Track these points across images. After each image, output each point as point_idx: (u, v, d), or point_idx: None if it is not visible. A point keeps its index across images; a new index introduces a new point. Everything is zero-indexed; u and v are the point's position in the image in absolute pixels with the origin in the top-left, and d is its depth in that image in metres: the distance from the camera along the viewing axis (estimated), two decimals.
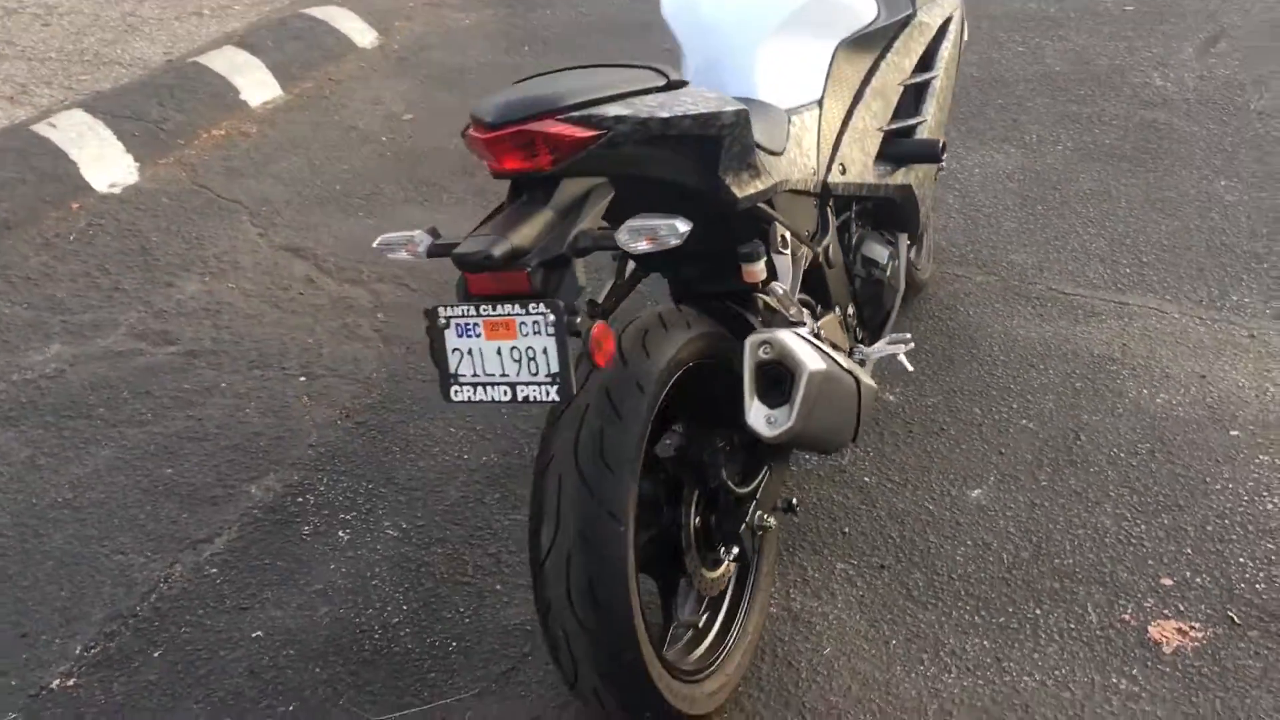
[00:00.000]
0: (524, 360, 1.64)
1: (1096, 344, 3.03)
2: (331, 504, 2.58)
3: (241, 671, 2.18)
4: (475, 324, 1.65)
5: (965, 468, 2.63)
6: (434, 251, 1.77)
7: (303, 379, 3.00)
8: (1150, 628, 2.22)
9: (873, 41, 2.46)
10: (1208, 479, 2.57)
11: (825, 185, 2.29)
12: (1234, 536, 2.42)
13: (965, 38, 2.92)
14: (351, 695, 2.12)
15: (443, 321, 1.67)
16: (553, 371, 1.62)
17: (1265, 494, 2.52)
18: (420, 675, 2.16)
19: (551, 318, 1.61)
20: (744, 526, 2.06)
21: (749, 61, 2.26)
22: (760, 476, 2.12)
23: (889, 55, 2.51)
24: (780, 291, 2.02)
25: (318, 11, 5.38)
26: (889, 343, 2.44)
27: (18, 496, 2.62)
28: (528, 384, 1.64)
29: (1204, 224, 3.54)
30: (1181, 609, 2.26)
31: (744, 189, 1.93)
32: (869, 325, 2.56)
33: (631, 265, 2.27)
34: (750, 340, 1.92)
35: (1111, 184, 3.77)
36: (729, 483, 2.02)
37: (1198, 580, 2.32)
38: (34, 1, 5.78)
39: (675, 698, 1.87)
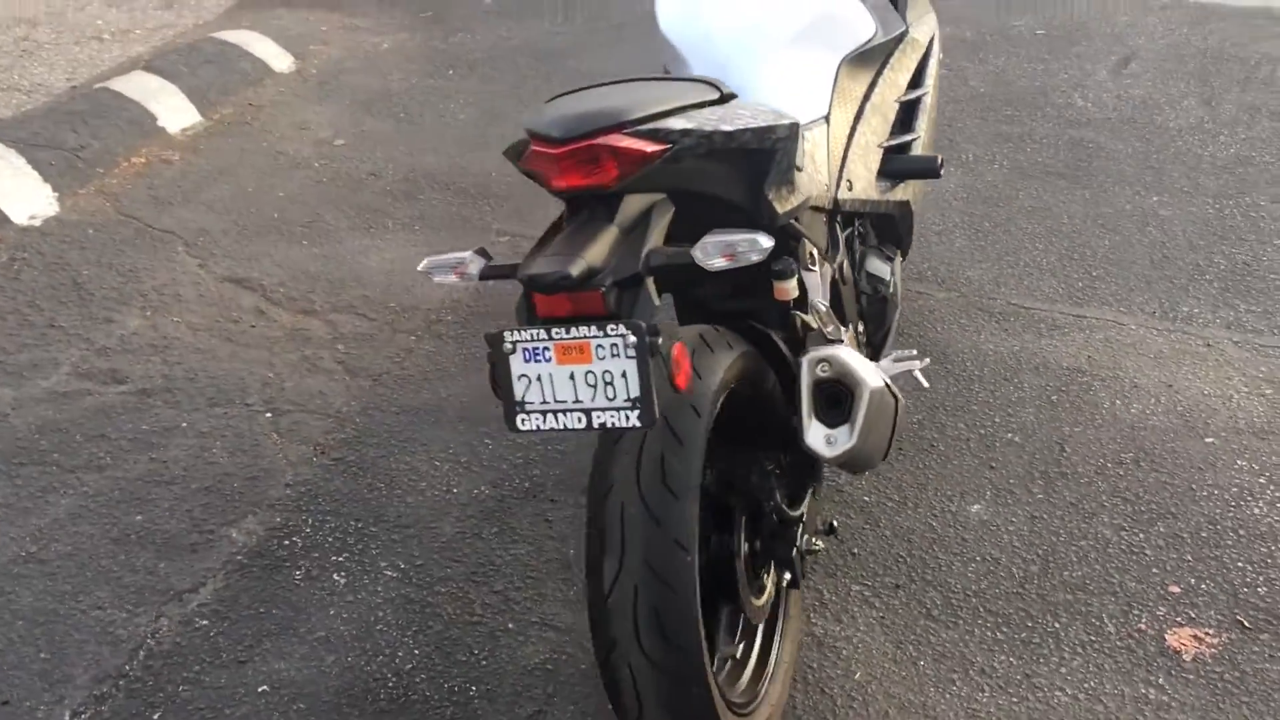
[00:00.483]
0: (600, 385, 1.55)
1: (1064, 357, 3.05)
2: (321, 546, 2.43)
3: None
4: (545, 348, 1.56)
5: (960, 483, 2.62)
6: (488, 274, 1.68)
7: (269, 415, 2.84)
8: (1168, 636, 2.22)
9: (872, 58, 2.44)
10: (1193, 486, 2.60)
11: (836, 201, 2.25)
12: (1228, 542, 2.45)
13: (941, 55, 2.93)
14: None
15: (508, 346, 1.58)
16: (633, 396, 1.54)
17: (1250, 499, 2.56)
18: None
19: (632, 339, 1.52)
20: (795, 550, 1.99)
21: (758, 75, 2.21)
22: (807, 498, 2.06)
23: (886, 72, 2.49)
24: (823, 309, 1.97)
25: (229, 36, 5.17)
26: (894, 360, 2.41)
27: None
28: (605, 409, 1.55)
29: (1144, 238, 3.62)
30: (1193, 616, 2.27)
31: (784, 204, 1.88)
32: (871, 342, 2.53)
33: None
34: (808, 359, 1.86)
35: (1051, 201, 3.83)
36: (782, 505, 1.96)
37: (1203, 586, 2.34)
38: None
39: None
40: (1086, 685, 2.12)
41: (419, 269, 1.72)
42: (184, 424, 2.80)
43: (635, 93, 1.71)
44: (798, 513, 2.01)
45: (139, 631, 2.22)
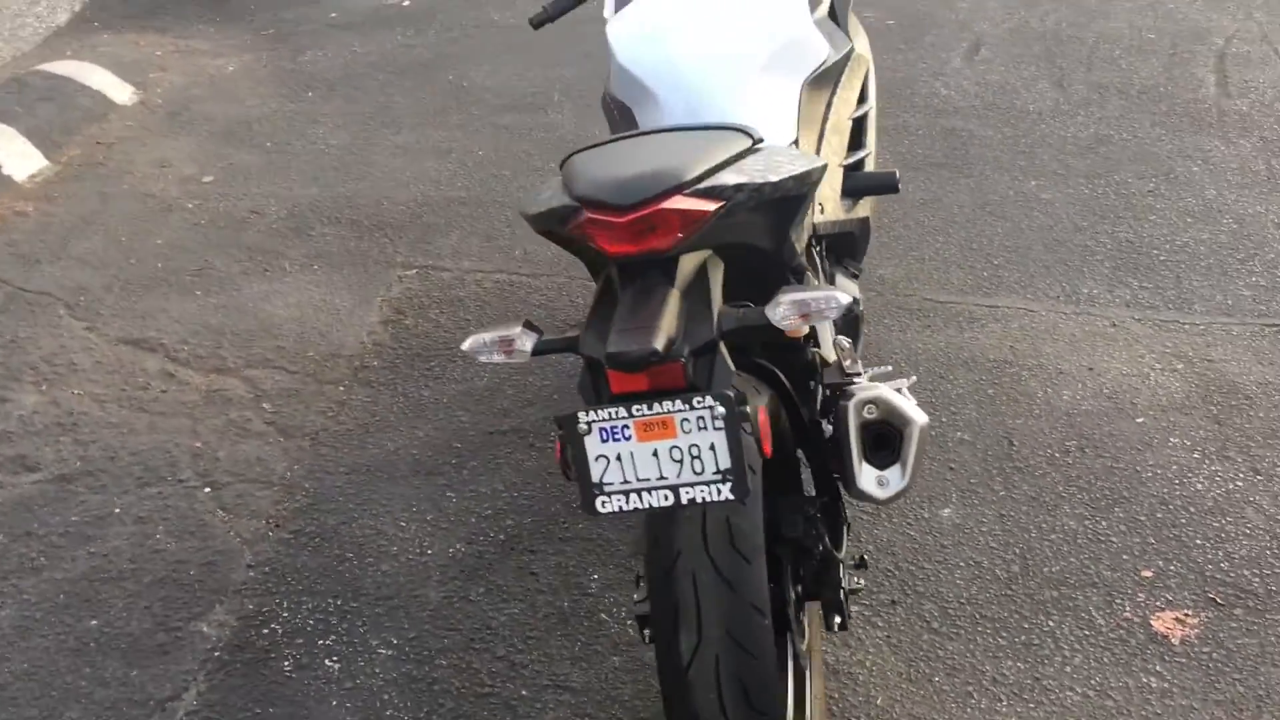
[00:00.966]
0: (686, 459, 1.49)
1: (988, 349, 3.13)
2: (303, 630, 2.29)
3: None
4: (624, 426, 1.49)
5: (925, 488, 2.65)
6: (543, 349, 1.60)
7: (207, 490, 2.65)
8: (1153, 621, 2.31)
9: (828, 78, 2.43)
10: (1137, 468, 2.71)
11: (814, 226, 2.23)
12: (1182, 520, 2.55)
13: None
14: None
15: (584, 428, 1.50)
16: (723, 468, 1.49)
17: (1190, 476, 2.68)
18: None
19: (720, 410, 1.47)
20: (842, 591, 1.97)
21: (732, 105, 2.18)
22: (845, 537, 2.04)
23: (839, 91, 2.48)
24: (846, 345, 1.95)
25: (57, 67, 4.81)
26: (872, 377, 2.41)
27: None
28: (693, 485, 1.50)
29: (1032, 222, 3.74)
30: (1170, 598, 2.36)
31: (800, 242, 1.87)
32: None
33: None
34: (854, 402, 1.82)
35: (939, 192, 3.92)
36: (830, 548, 1.93)
37: (1171, 568, 2.43)
38: None
39: None
40: (1092, 682, 2.18)
41: (463, 348, 1.62)
42: (116, 509, 2.59)
43: (680, 148, 1.65)
44: (842, 553, 1.99)
45: None
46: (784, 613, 1.86)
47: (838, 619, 1.96)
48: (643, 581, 1.92)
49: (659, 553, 1.63)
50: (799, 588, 1.94)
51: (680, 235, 1.53)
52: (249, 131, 4.44)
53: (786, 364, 2.05)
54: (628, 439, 1.50)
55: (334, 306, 3.34)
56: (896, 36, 5.07)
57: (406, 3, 5.56)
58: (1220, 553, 2.47)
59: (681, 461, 1.49)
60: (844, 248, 2.62)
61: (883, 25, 5.22)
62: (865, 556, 2.22)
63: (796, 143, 2.27)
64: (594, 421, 1.50)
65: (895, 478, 1.83)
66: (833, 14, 2.60)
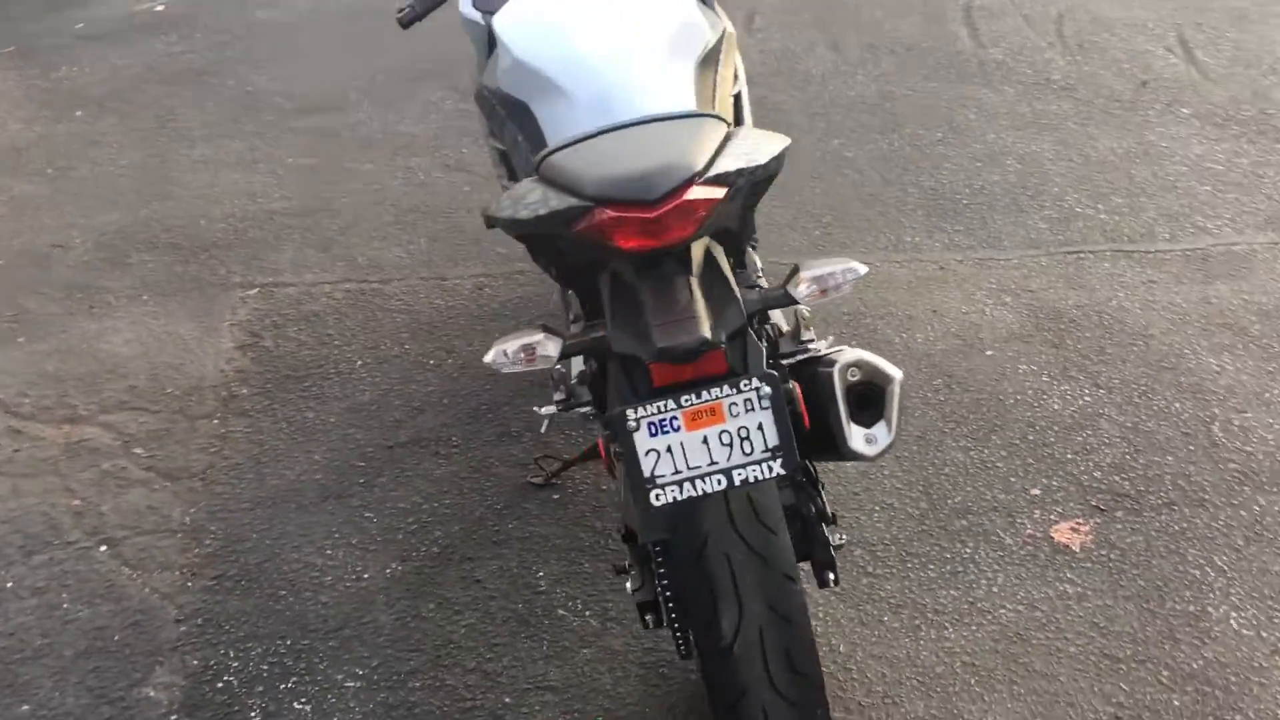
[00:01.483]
0: (736, 442, 1.54)
1: (839, 303, 3.29)
2: (260, 677, 2.18)
3: None
4: (673, 418, 1.52)
5: None
6: (571, 351, 1.59)
7: (104, 549, 2.48)
8: (1053, 534, 2.52)
9: (711, 58, 2.48)
10: (1000, 397, 2.93)
11: None
12: (1051, 439, 2.78)
13: None
14: None
15: (633, 424, 1.51)
16: (772, 445, 1.54)
17: (1046, 397, 2.92)
18: None
19: (767, 390, 1.52)
20: (832, 549, 2.04)
21: (640, 91, 2.19)
22: (822, 496, 2.11)
23: (719, 69, 2.54)
24: (807, 313, 2.01)
25: None
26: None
27: None
28: (744, 465, 1.55)
29: (845, 180, 3.93)
30: (1061, 511, 2.58)
31: (753, 222, 1.91)
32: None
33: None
34: (839, 367, 1.87)
35: None
36: (824, 508, 1.99)
37: (1054, 483, 2.65)
38: None
39: None
40: (1019, 597, 2.36)
41: (485, 360, 1.59)
42: (8, 584, 2.38)
43: (674, 138, 1.67)
44: (831, 512, 2.06)
45: None
46: None
47: (831, 575, 2.05)
48: (633, 569, 1.95)
49: (685, 539, 1.66)
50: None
51: (697, 225, 1.56)
52: (21, 159, 4.09)
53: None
54: (676, 430, 1.52)
55: (179, 337, 3.16)
56: None
57: (160, 8, 5.24)
58: (1090, 463, 2.71)
59: (731, 445, 1.54)
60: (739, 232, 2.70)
61: None
62: (835, 513, 2.31)
63: None
64: (643, 417, 1.52)
65: (882, 434, 1.91)
66: None
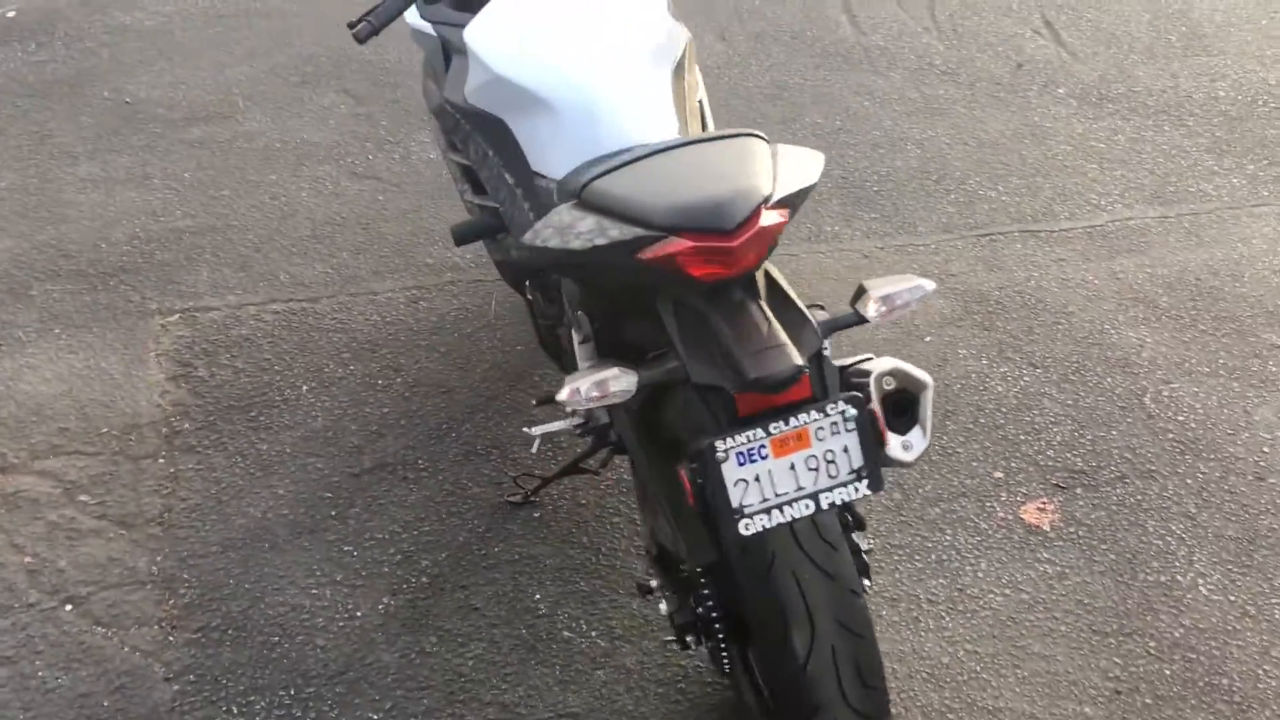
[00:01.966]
0: (822, 466, 1.54)
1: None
2: None
3: None
4: (761, 446, 1.51)
5: None
6: (645, 385, 1.56)
7: (69, 608, 2.32)
8: (1022, 515, 2.61)
9: (682, 67, 2.46)
10: (946, 382, 3.00)
11: None
12: (1001, 421, 2.87)
13: None
14: None
15: (721, 455, 1.50)
16: (856, 467, 1.55)
17: (989, 380, 3.01)
18: None
19: (852, 412, 1.53)
20: (864, 553, 2.05)
21: (629, 104, 2.16)
22: None
23: (687, 76, 2.51)
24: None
25: None
26: None
27: None
28: (831, 488, 1.55)
29: None
30: (1025, 491, 2.67)
31: None
32: None
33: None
34: (875, 376, 1.87)
35: None
36: (857, 514, 2.00)
37: (1014, 465, 2.74)
38: None
39: None
40: (1004, 580, 2.44)
41: (559, 398, 1.54)
42: None
43: (730, 160, 1.65)
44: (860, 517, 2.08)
45: None
46: None
47: (865, 581, 2.07)
48: (666, 591, 1.94)
49: (752, 560, 1.65)
50: None
51: (767, 250, 1.55)
52: None
53: None
54: (764, 458, 1.52)
55: (103, 371, 2.97)
56: None
57: (11, 14, 4.89)
58: (1042, 442, 2.81)
59: (817, 469, 1.54)
60: None
61: None
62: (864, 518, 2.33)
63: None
64: (732, 448, 1.50)
65: (918, 439, 1.93)
66: None
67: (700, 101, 2.64)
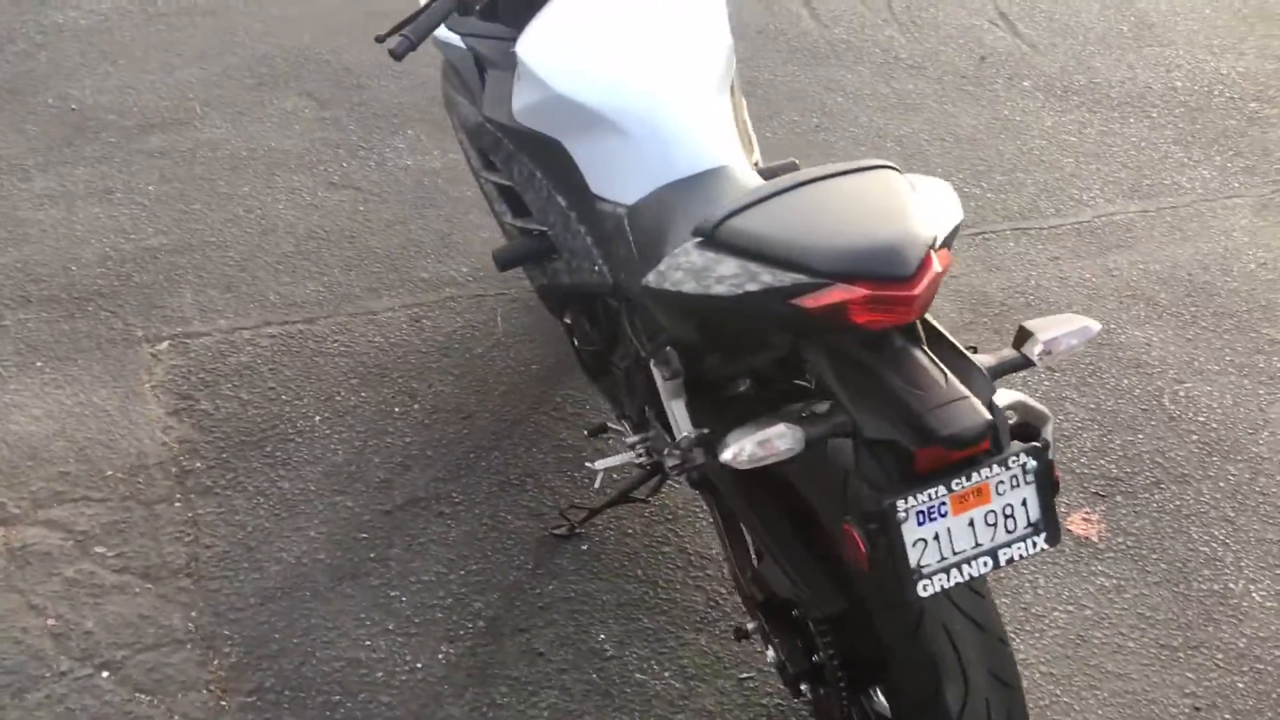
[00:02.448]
0: (1000, 521, 1.47)
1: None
2: None
3: None
4: (941, 504, 1.44)
5: None
6: (814, 442, 1.47)
7: (106, 675, 2.15)
8: (1070, 526, 2.59)
9: (734, 83, 2.37)
10: None
11: None
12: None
13: None
14: None
15: (902, 515, 1.42)
16: (1034, 520, 1.49)
17: (1011, 384, 3.00)
18: None
19: (1033, 464, 1.47)
20: None
21: (698, 133, 2.08)
22: None
23: (736, 94, 2.43)
24: None
25: None
26: None
27: None
28: (1009, 544, 1.49)
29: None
30: (1068, 501, 2.66)
31: None
32: None
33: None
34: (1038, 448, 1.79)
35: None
36: None
37: None
38: None
39: None
40: (1064, 596, 2.42)
41: (724, 459, 1.45)
42: None
43: (882, 194, 1.56)
44: None
45: None
46: None
47: None
48: (773, 639, 1.87)
49: (897, 619, 1.59)
50: None
51: (935, 294, 1.48)
52: None
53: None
54: (944, 515, 1.45)
55: (96, 407, 2.78)
56: None
57: None
58: (1074, 449, 2.81)
59: (995, 525, 1.48)
60: None
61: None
62: None
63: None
64: (913, 507, 1.43)
65: None
66: None
67: (745, 121, 2.56)
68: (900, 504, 1.43)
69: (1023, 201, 3.79)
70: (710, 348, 1.89)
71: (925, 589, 1.47)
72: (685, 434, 1.89)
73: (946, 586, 1.48)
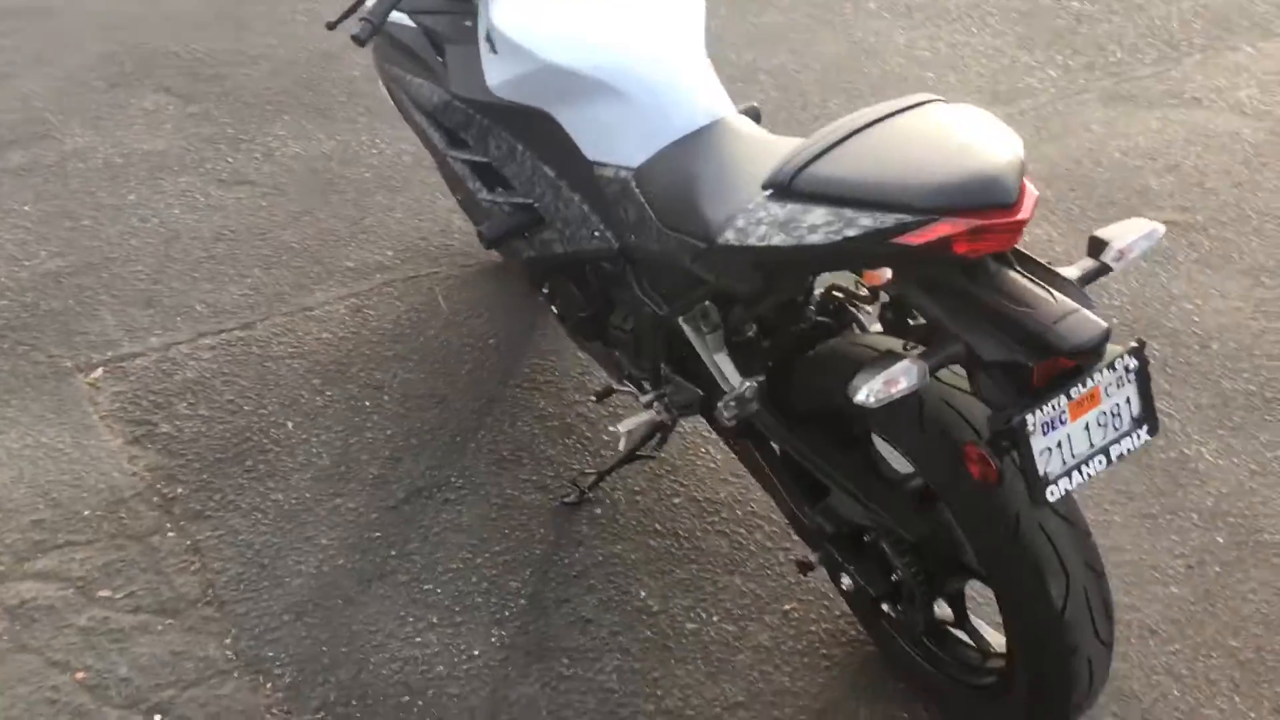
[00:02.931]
0: (1109, 420, 1.58)
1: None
2: None
3: None
4: (1063, 413, 1.53)
5: None
6: (935, 368, 1.54)
7: (159, 717, 2.06)
8: None
9: None
10: None
11: None
12: None
13: None
14: None
15: (1031, 428, 1.51)
16: (1135, 415, 1.60)
17: None
18: None
19: (1134, 363, 1.57)
20: None
21: (696, 86, 2.11)
22: None
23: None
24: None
25: None
26: None
27: None
28: (1118, 440, 1.59)
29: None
30: None
31: None
32: None
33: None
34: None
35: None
36: None
37: None
38: None
39: None
40: None
41: (868, 402, 1.50)
42: None
43: (957, 127, 1.61)
44: None
45: None
46: None
47: None
48: (847, 565, 1.95)
49: (995, 524, 1.68)
50: None
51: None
52: None
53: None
54: (1064, 423, 1.54)
55: (48, 448, 2.61)
56: None
57: None
58: None
59: (1105, 425, 1.58)
60: None
61: None
62: None
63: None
64: (1039, 419, 1.52)
65: None
66: None
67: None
68: (1029, 418, 1.52)
69: None
70: (757, 299, 1.94)
71: (1053, 494, 1.56)
72: (746, 383, 1.94)
73: (1070, 489, 1.58)
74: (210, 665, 2.16)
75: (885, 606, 1.96)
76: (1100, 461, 1.61)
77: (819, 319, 2.07)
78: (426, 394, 2.78)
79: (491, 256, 3.18)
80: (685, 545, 2.42)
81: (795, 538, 2.37)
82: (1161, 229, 1.68)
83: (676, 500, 2.52)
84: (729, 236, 1.75)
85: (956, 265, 1.57)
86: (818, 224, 1.62)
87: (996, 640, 1.98)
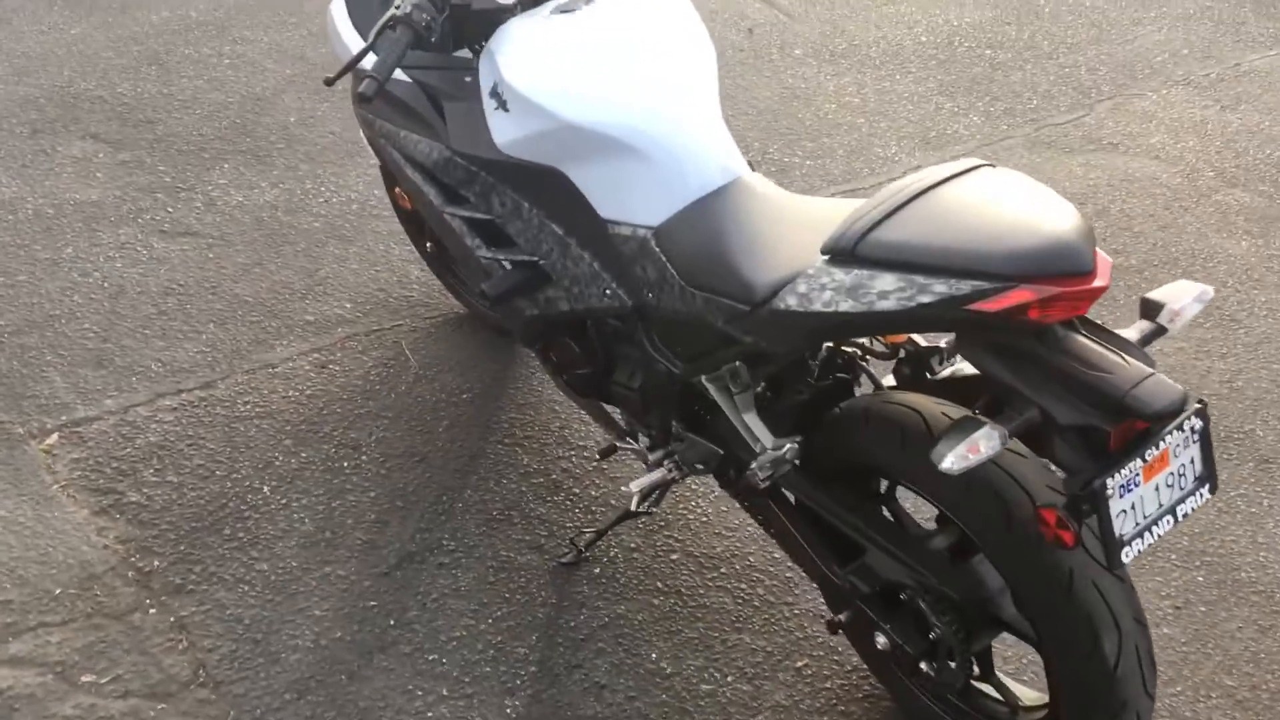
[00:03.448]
0: (1176, 480, 1.60)
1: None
2: None
3: None
4: (1137, 475, 1.54)
5: None
6: (1014, 433, 1.54)
7: None
8: None
9: None
10: None
11: None
12: None
13: None
14: None
15: (1110, 491, 1.52)
16: (1199, 474, 1.62)
17: None
18: None
19: (1199, 423, 1.59)
20: None
21: (710, 142, 2.09)
22: None
23: None
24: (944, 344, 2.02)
25: None
26: None
27: None
28: (1182, 500, 1.62)
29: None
30: None
31: None
32: None
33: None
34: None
35: None
36: None
37: None
38: None
39: None
40: None
41: (952, 469, 1.49)
42: None
43: (1017, 194, 1.62)
44: None
45: None
46: None
47: None
48: (884, 625, 1.94)
49: (1050, 581, 1.69)
50: None
51: None
52: None
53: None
54: (1138, 485, 1.56)
55: (9, 522, 2.45)
56: None
57: None
58: None
59: (1173, 485, 1.60)
60: None
61: None
62: None
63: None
64: (1117, 483, 1.53)
65: None
66: None
67: None
68: (1109, 482, 1.53)
69: (840, 166, 4.00)
70: (786, 359, 1.93)
71: (1127, 555, 1.58)
72: (786, 444, 1.92)
73: (1142, 550, 1.59)
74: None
75: (923, 665, 1.95)
76: (1168, 521, 1.63)
77: (838, 376, 2.07)
78: (406, 453, 2.69)
79: (454, 308, 3.11)
80: (689, 603, 2.38)
81: (798, 592, 2.36)
82: (1210, 291, 1.72)
83: (674, 557, 2.48)
84: (790, 302, 1.73)
85: (1026, 330, 1.57)
86: (889, 290, 1.61)
87: (1025, 694, 1.99)
